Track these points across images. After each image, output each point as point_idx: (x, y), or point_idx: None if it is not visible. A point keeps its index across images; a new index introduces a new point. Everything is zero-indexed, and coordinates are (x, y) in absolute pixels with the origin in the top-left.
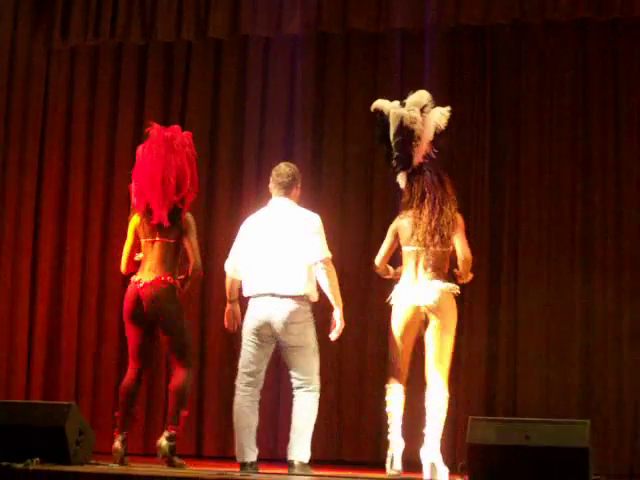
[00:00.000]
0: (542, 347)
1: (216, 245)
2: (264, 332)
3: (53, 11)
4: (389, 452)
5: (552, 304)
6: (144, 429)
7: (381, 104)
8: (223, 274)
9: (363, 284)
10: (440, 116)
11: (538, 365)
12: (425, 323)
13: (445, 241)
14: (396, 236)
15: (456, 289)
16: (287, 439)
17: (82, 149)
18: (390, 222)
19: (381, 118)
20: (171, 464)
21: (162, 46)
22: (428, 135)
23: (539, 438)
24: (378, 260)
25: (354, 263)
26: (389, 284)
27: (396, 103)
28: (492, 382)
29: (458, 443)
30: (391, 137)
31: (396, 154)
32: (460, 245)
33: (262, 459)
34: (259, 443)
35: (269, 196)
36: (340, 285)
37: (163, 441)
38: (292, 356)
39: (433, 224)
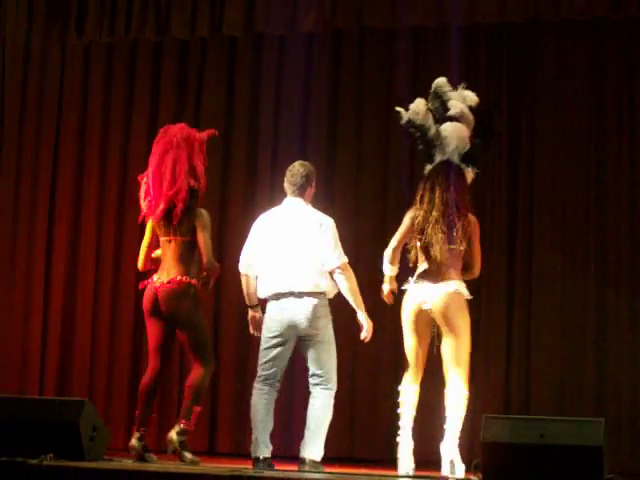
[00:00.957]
0: (556, 346)
1: (229, 243)
2: (287, 333)
3: (68, 7)
4: (398, 455)
5: (566, 304)
6: (158, 426)
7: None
8: (236, 272)
9: (378, 280)
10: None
11: (552, 364)
12: (435, 323)
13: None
14: (409, 228)
15: (465, 291)
16: (300, 436)
17: (96, 146)
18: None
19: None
20: (182, 459)
21: (177, 43)
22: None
23: (553, 436)
24: (389, 252)
25: (369, 260)
26: (404, 279)
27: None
28: (506, 381)
29: (474, 442)
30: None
31: (421, 147)
32: (475, 253)
33: (275, 456)
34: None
35: (283, 194)
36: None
37: (173, 435)
38: (315, 351)
39: (452, 221)
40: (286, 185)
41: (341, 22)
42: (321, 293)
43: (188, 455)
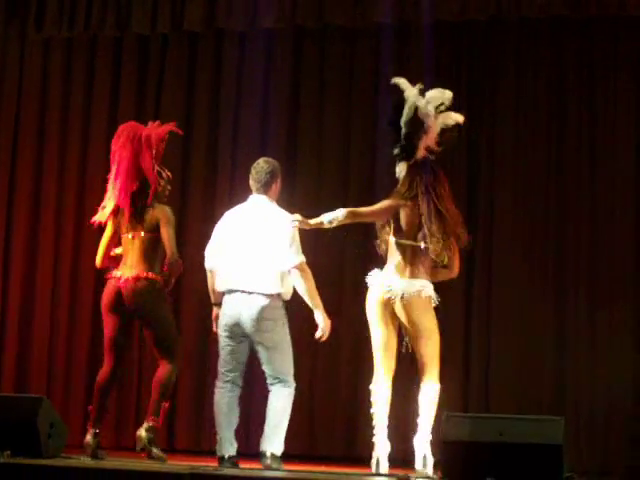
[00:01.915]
0: (516, 344)
1: (189, 240)
2: (236, 329)
3: (28, 2)
4: (374, 454)
5: (526, 301)
6: (115, 422)
7: (404, 86)
8: (195, 269)
9: (337, 277)
10: (452, 119)
11: (511, 363)
12: (400, 320)
13: (440, 241)
14: (388, 211)
15: (432, 293)
16: (259, 433)
17: (55, 140)
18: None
19: (398, 102)
20: (150, 456)
21: (137, 39)
22: (434, 132)
23: (513, 435)
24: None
25: (328, 255)
26: (365, 276)
27: (416, 90)
28: (466, 380)
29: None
30: (402, 124)
31: (403, 142)
32: (454, 251)
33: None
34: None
35: (243, 190)
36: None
37: (142, 432)
38: (264, 354)
39: (434, 222)
40: (251, 182)
41: (302, 19)
42: (273, 295)
43: (156, 452)
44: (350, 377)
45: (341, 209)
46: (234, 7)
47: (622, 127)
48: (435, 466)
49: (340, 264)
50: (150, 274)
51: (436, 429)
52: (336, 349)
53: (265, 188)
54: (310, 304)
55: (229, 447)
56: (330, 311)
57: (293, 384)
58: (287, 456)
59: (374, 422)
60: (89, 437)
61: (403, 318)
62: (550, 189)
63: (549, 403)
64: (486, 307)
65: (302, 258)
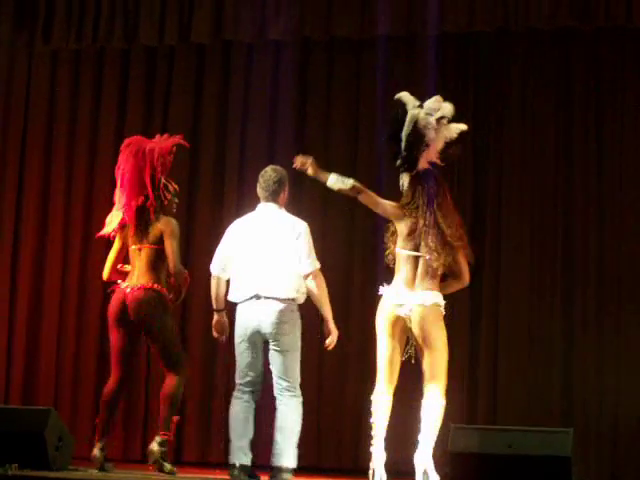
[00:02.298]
0: (522, 358)
1: (197, 250)
2: (254, 337)
3: (35, 14)
4: (371, 465)
5: (534, 314)
6: (124, 434)
7: (406, 99)
8: (202, 278)
9: (345, 285)
10: (454, 132)
11: (519, 375)
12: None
13: (439, 253)
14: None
15: (442, 304)
16: (265, 443)
17: (63, 153)
18: (371, 226)
19: (397, 114)
20: (162, 470)
21: (144, 50)
22: (438, 145)
23: (521, 447)
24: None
25: (336, 265)
26: (373, 285)
27: (416, 103)
28: (473, 391)
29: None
30: (403, 136)
31: (404, 154)
32: (461, 261)
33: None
34: None
35: (251, 201)
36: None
37: (155, 446)
38: (281, 357)
39: (433, 234)
40: (259, 191)
41: (309, 31)
42: (289, 299)
43: (168, 466)
44: (357, 388)
45: (350, 180)
46: (241, 19)
47: (630, 138)
48: (443, 478)
49: (348, 268)
50: (155, 285)
51: (442, 443)
52: (343, 360)
53: (274, 196)
54: (322, 312)
55: (242, 456)
56: (338, 318)
57: (300, 393)
58: (293, 469)
59: (372, 432)
60: (96, 450)
61: (415, 331)
62: (558, 200)
63: (557, 415)
64: (494, 319)
65: (318, 265)
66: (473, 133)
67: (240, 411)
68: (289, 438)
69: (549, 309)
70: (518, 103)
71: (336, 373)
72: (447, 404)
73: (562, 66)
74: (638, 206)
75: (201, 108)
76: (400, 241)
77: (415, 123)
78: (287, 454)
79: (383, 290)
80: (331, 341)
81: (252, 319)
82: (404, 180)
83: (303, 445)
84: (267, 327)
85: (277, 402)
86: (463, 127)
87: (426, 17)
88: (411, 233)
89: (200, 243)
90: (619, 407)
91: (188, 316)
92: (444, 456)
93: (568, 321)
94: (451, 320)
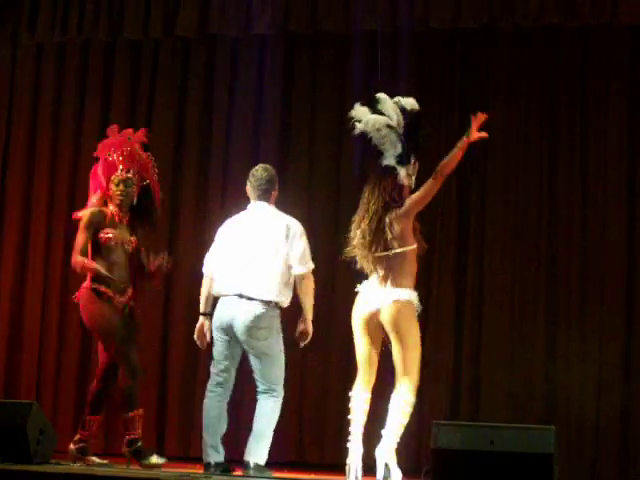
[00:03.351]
0: (505, 357)
1: (180, 248)
2: (229, 332)
3: (20, 6)
4: (347, 461)
5: (517, 309)
6: (105, 428)
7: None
8: (185, 275)
9: (329, 284)
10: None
11: (502, 371)
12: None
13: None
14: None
15: (416, 301)
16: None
17: (47, 145)
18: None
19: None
20: (145, 465)
21: (129, 43)
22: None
23: (504, 443)
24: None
25: (319, 264)
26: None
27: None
28: (456, 387)
29: (422, 448)
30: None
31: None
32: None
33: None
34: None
35: (236, 196)
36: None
37: (125, 449)
38: (256, 362)
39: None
40: (249, 189)
41: (295, 25)
42: (270, 302)
43: (150, 460)
44: (340, 384)
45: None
46: (227, 13)
47: (614, 136)
48: (425, 474)
49: (332, 269)
50: (87, 283)
51: (423, 439)
52: (326, 356)
53: (265, 195)
54: (305, 309)
55: (214, 454)
56: (321, 316)
57: (281, 394)
58: (276, 464)
59: (350, 428)
60: (74, 445)
61: (387, 327)
62: (543, 199)
63: (539, 413)
64: (477, 318)
65: (311, 266)
66: (458, 130)
67: (212, 407)
68: (260, 435)
69: (532, 309)
70: (503, 99)
71: (319, 367)
72: (430, 401)
73: (548, 63)
74: (620, 210)
75: (186, 102)
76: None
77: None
78: (257, 450)
79: (359, 288)
80: (304, 341)
81: (228, 314)
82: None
83: (286, 440)
84: (239, 327)
85: (257, 400)
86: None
87: (412, 13)
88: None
89: (184, 240)
90: (601, 405)
91: (171, 314)
92: (426, 452)
93: (550, 319)
94: (435, 319)
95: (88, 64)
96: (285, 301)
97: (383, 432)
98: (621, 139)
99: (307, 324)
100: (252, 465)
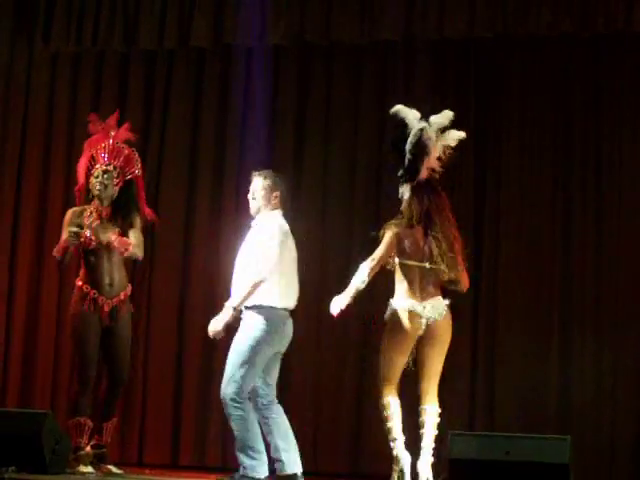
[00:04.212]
0: (521, 366)
1: (196, 255)
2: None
3: (35, 16)
4: (397, 467)
5: (531, 321)
6: (120, 438)
7: (404, 113)
8: (201, 281)
9: (343, 287)
10: (453, 138)
11: (516, 382)
12: (421, 337)
13: (451, 263)
14: (393, 245)
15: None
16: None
17: (62, 156)
18: (370, 232)
19: (402, 128)
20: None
21: (144, 54)
22: (436, 152)
23: (520, 453)
24: (371, 265)
25: (335, 271)
26: (370, 292)
27: (417, 115)
28: (471, 397)
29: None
30: (407, 149)
31: (407, 165)
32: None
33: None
34: None
35: (249, 205)
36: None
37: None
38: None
39: (443, 244)
40: (282, 199)
41: (309, 35)
42: (252, 306)
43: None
44: (354, 392)
45: (362, 267)
46: (241, 23)
47: (629, 145)
48: None
49: (346, 272)
50: (77, 280)
51: (439, 449)
52: (341, 364)
53: (264, 202)
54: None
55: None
56: (334, 322)
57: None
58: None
59: (393, 436)
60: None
61: (430, 339)
62: (557, 210)
63: (555, 423)
64: (492, 327)
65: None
66: (471, 139)
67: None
68: (295, 444)
69: (547, 319)
70: (517, 109)
71: (334, 376)
72: (446, 411)
73: (562, 72)
74: (637, 217)
75: (200, 112)
76: (405, 252)
77: (419, 137)
78: (298, 460)
79: (394, 303)
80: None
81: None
82: (404, 190)
83: (300, 449)
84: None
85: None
86: (462, 135)
87: (426, 22)
88: (413, 244)
89: (199, 247)
90: (617, 414)
91: (184, 323)
92: (442, 462)
93: (566, 331)
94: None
95: (103, 74)
96: (263, 302)
97: (422, 445)
98: (637, 148)
99: (224, 313)
100: (300, 475)
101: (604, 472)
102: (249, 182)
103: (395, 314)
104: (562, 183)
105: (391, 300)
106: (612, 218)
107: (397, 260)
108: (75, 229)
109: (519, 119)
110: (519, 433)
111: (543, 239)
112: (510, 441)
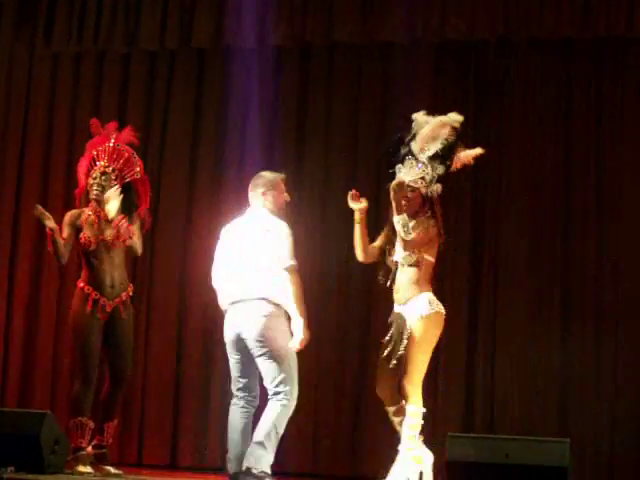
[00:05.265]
0: (520, 368)
1: (194, 256)
2: (238, 342)
3: (36, 16)
4: (418, 467)
5: (531, 322)
6: (118, 440)
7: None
8: (199, 284)
9: (344, 291)
10: (472, 157)
11: (516, 385)
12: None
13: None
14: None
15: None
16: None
17: (63, 155)
18: (371, 231)
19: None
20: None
21: (145, 54)
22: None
23: (519, 456)
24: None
25: (334, 271)
26: (370, 291)
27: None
28: (469, 399)
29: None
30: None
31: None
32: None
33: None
34: None
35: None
36: (320, 291)
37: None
38: (265, 364)
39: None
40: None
41: (310, 36)
42: (271, 302)
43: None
44: (354, 392)
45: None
46: (242, 24)
47: (630, 148)
48: None
49: (346, 271)
50: (79, 281)
51: (434, 450)
52: (341, 365)
53: (260, 199)
54: (292, 310)
55: (236, 465)
56: (336, 321)
57: (293, 398)
58: (290, 474)
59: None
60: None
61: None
62: (559, 209)
63: (554, 425)
64: (491, 330)
65: (293, 262)
66: (473, 142)
67: (235, 419)
68: (261, 441)
69: (547, 320)
70: (518, 112)
71: (334, 376)
72: (444, 413)
73: (563, 76)
74: (638, 224)
75: (201, 113)
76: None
77: (453, 151)
78: (253, 455)
79: (439, 305)
80: (296, 343)
81: (234, 322)
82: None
83: (299, 451)
84: (245, 331)
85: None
86: (480, 151)
87: (428, 24)
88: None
89: (198, 248)
90: (616, 418)
91: (183, 321)
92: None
93: (565, 331)
94: (448, 331)
95: (104, 74)
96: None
97: (400, 447)
98: (638, 151)
99: (297, 326)
100: (244, 469)
101: (603, 475)
102: (249, 181)
103: (440, 310)
104: (563, 184)
105: (428, 294)
106: (613, 218)
107: (426, 256)
108: (41, 208)
109: (520, 122)
110: (518, 435)
111: (543, 239)
112: (509, 444)
